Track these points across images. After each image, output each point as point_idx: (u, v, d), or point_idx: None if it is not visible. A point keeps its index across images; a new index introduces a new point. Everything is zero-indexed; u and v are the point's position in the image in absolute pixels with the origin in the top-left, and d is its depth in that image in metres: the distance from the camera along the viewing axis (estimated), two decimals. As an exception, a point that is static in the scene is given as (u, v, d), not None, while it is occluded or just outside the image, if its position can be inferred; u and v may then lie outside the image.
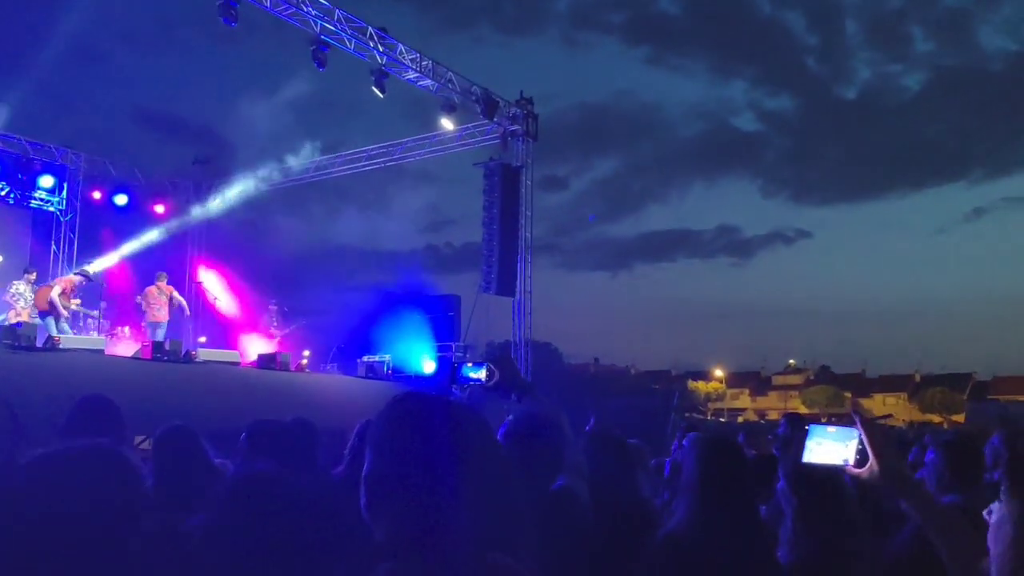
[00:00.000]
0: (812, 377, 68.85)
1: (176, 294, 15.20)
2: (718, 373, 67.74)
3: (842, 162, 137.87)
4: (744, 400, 69.80)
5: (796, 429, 6.85)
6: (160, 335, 14.37)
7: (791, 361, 74.21)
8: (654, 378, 63.93)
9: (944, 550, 1.71)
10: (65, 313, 13.35)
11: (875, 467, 1.75)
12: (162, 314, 14.81)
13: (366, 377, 16.02)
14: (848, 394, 61.47)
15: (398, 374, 16.27)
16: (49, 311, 13.18)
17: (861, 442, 1.77)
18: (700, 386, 64.24)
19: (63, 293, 13.42)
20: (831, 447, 1.82)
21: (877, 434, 1.79)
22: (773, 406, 63.78)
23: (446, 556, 1.40)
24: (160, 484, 3.02)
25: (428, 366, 16.68)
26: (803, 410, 51.82)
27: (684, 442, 5.44)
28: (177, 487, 2.97)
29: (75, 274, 14.43)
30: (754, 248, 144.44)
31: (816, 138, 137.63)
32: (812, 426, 1.85)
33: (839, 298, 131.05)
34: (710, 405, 63.08)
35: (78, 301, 14.18)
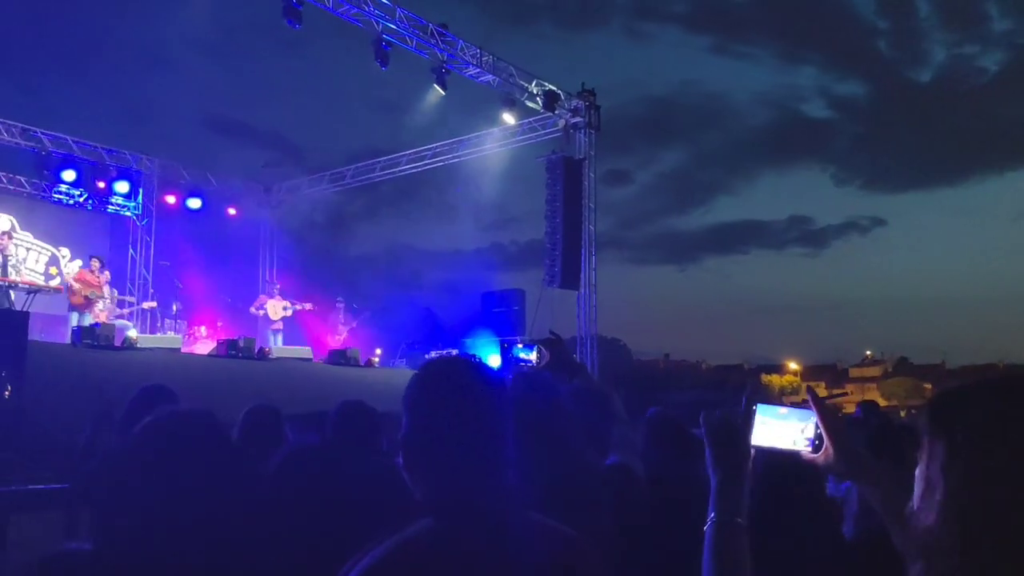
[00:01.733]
0: (890, 369, 67.11)
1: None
2: (792, 366, 66.67)
3: (917, 147, 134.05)
4: (820, 393, 67.87)
5: (871, 416, 6.71)
6: (279, 341, 15.25)
7: (868, 352, 72.55)
8: (726, 372, 63.15)
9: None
10: (98, 301, 13.89)
11: (830, 452, 1.59)
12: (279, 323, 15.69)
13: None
14: (928, 385, 59.75)
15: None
16: (83, 305, 13.70)
17: (818, 426, 1.63)
18: (774, 380, 63.34)
19: (86, 283, 13.88)
20: (782, 429, 1.67)
21: (832, 416, 1.63)
22: (850, 399, 62.27)
23: (484, 514, 1.41)
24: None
25: (493, 360, 16.77)
26: (882, 403, 50.50)
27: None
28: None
29: (86, 268, 14.64)
30: (827, 238, 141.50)
31: (889, 123, 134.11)
32: (759, 405, 1.69)
33: (916, 287, 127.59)
34: (785, 399, 61.87)
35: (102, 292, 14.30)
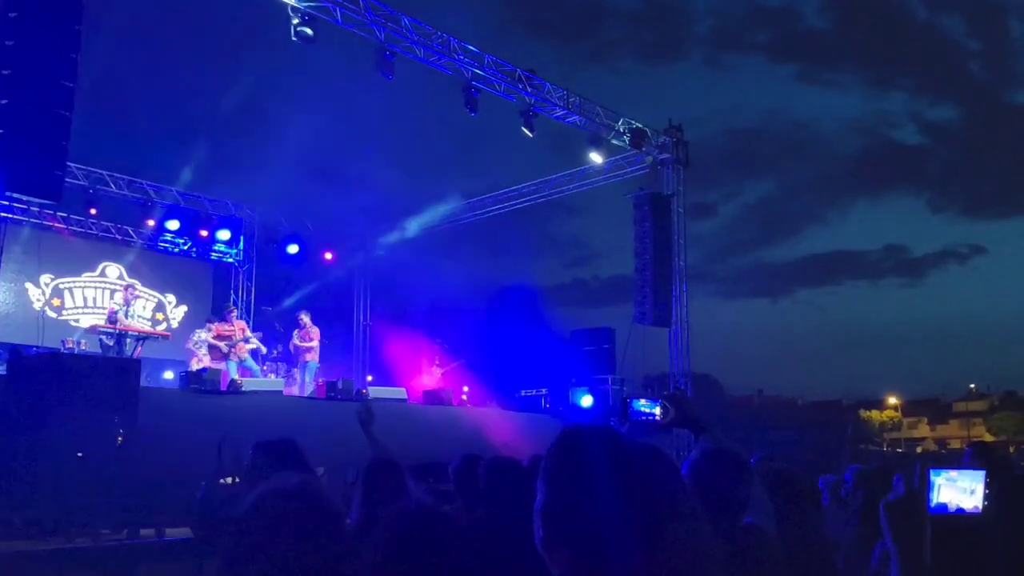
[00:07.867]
0: (996, 403, 63.87)
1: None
2: (892, 401, 64.11)
3: (1017, 171, 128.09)
4: (923, 429, 65.53)
5: (980, 461, 6.40)
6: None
7: (972, 386, 69.30)
8: (823, 409, 61.00)
9: None
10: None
11: None
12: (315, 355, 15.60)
13: (524, 411, 16.23)
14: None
15: (556, 408, 16.39)
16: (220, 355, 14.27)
17: (987, 486, 1.64)
18: (874, 415, 60.90)
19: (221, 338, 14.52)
20: (957, 491, 1.67)
21: None
22: (955, 435, 59.64)
23: None
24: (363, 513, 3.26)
25: (585, 400, 16.72)
26: (988, 438, 48.09)
27: (846, 475, 5.21)
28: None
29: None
30: (925, 267, 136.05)
31: (986, 147, 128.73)
32: (932, 471, 1.69)
33: (1022, 316, 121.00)
34: (885, 435, 59.60)
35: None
